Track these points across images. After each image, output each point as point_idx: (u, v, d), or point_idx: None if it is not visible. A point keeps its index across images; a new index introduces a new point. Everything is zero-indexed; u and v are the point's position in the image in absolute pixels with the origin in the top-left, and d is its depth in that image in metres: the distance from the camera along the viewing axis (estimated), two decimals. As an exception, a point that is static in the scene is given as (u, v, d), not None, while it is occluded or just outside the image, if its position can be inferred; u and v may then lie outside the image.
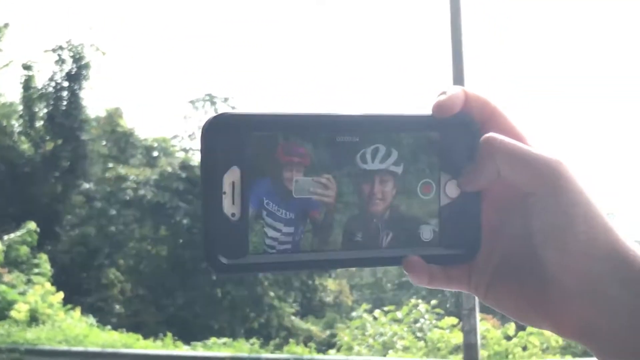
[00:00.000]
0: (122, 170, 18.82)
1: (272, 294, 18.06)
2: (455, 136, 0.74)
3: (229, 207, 0.68)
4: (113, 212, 18.51)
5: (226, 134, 0.67)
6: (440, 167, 0.74)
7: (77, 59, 20.62)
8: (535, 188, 0.68)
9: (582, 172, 0.71)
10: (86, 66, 20.63)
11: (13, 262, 13.66)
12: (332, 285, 19.30)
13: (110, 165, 19.83)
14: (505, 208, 0.73)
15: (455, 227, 0.75)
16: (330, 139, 0.71)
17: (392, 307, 14.26)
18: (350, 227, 0.73)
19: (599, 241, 0.66)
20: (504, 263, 0.72)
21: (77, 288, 17.07)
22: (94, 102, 21.91)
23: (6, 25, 19.57)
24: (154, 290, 18.31)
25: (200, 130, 0.68)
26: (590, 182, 0.69)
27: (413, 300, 14.21)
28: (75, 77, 20.59)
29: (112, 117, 22.14)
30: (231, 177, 0.68)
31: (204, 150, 0.67)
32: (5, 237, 14.00)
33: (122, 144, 22.09)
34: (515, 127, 0.72)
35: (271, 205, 0.69)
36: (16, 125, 21.38)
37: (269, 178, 0.70)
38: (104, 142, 22.19)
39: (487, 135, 0.70)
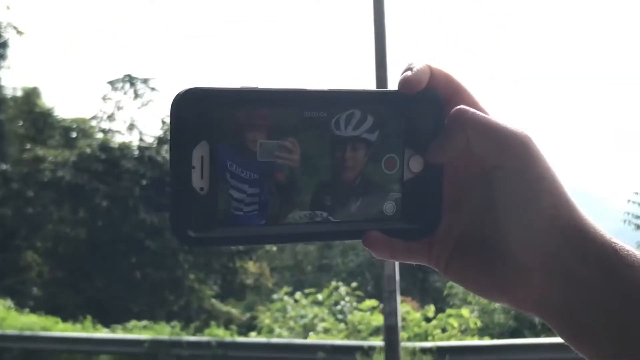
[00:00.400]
0: (40, 151, 18.50)
1: (192, 276, 18.01)
2: (421, 112, 0.74)
3: (198, 181, 0.68)
4: (31, 193, 18.20)
5: (195, 109, 0.67)
6: (405, 142, 0.75)
7: (-6, 37, 20.16)
8: (502, 161, 0.68)
9: (547, 149, 0.71)
10: (4, 45, 20.17)
11: None
12: (252, 267, 19.33)
13: (28, 146, 19.46)
14: (468, 182, 0.73)
15: (417, 201, 0.75)
16: (299, 112, 0.72)
17: (312, 290, 14.36)
18: (318, 191, 0.73)
19: (562, 218, 0.66)
20: (464, 237, 0.73)
21: (-7, 271, 16.78)
22: (11, 81, 21.36)
23: None
24: (72, 273, 18.09)
25: (170, 104, 0.68)
26: (553, 159, 0.70)
27: (334, 283, 14.33)
28: (-9, 56, 20.12)
29: (30, 97, 21.70)
30: (200, 151, 0.68)
31: (174, 125, 0.67)
32: None
33: (40, 124, 21.65)
34: (478, 102, 0.73)
35: (235, 167, 0.70)
36: None
37: (234, 143, 0.69)
38: (21, 123, 21.73)
39: (458, 107, 0.71)
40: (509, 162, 0.68)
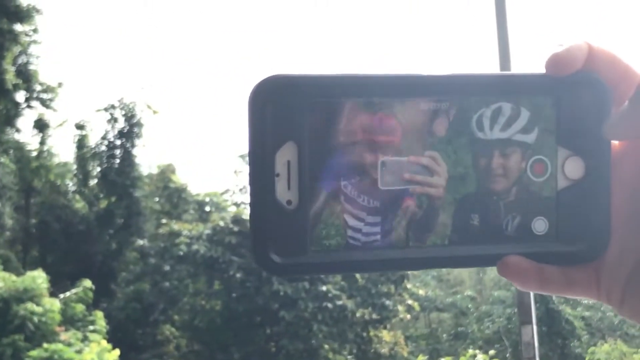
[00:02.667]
0: (175, 225, 18.92)
1: (326, 346, 17.92)
2: (577, 100, 0.59)
3: (284, 192, 0.55)
4: (167, 267, 18.58)
5: (279, 102, 0.55)
6: (558, 140, 0.59)
7: (129, 117, 20.90)
8: None
9: None
10: (138, 124, 20.90)
11: (69, 320, 13.73)
12: (386, 336, 19.10)
13: (164, 221, 19.96)
14: None
15: (576, 216, 0.60)
16: (420, 105, 0.57)
17: (449, 358, 14.08)
18: (453, 216, 0.59)
19: None
20: None
21: (133, 345, 17.11)
22: (147, 159, 22.08)
23: (60, 85, 19.95)
24: (209, 345, 18.27)
25: (248, 97, 0.55)
26: None
27: (470, 351, 14.00)
28: (127, 135, 20.85)
29: (165, 173, 22.34)
30: (286, 154, 0.55)
31: (251, 123, 0.55)
32: (61, 296, 14.09)
33: (175, 199, 22.23)
34: None
35: (349, 188, 0.56)
36: (70, 184, 21.68)
37: (341, 153, 0.56)
38: (156, 199, 22.36)
39: None
40: None
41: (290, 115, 0.55)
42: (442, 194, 0.58)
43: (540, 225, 0.60)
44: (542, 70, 0.58)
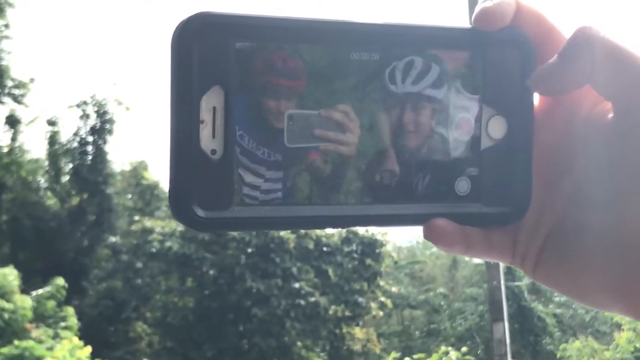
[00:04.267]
0: (147, 222, 18.81)
1: (299, 343, 17.91)
2: (503, 58, 0.56)
3: (209, 141, 0.51)
4: (139, 264, 18.48)
5: (205, 42, 0.51)
6: (483, 98, 0.57)
7: (101, 113, 20.75)
8: (633, 101, 0.50)
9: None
10: (110, 121, 20.75)
11: (40, 317, 13.63)
12: (359, 333, 19.11)
13: (136, 218, 19.83)
14: (571, 144, 0.55)
15: (498, 177, 0.58)
16: (343, 53, 0.54)
17: (421, 355, 14.10)
18: (368, 167, 0.56)
19: None
20: (562, 223, 0.55)
21: (104, 342, 17.00)
22: (119, 155, 21.91)
23: (31, 81, 19.78)
24: (181, 342, 18.19)
25: (171, 36, 0.51)
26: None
27: (443, 348, 14.04)
28: (99, 132, 20.68)
29: (137, 170, 22.21)
30: (212, 100, 0.51)
31: (175, 65, 0.50)
32: (34, 293, 13.99)
33: (147, 196, 22.10)
34: None
35: (247, 139, 0.53)
36: (42, 181, 21.50)
37: (251, 102, 0.52)
38: (129, 196, 22.25)
39: (582, 25, 0.52)
40: None
41: (217, 56, 0.51)
42: (354, 151, 0.55)
43: (463, 186, 0.58)
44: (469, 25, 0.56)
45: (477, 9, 0.54)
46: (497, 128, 0.58)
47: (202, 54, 0.51)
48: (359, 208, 0.56)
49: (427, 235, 0.56)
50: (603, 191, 0.53)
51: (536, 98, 0.58)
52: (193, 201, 0.52)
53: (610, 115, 0.53)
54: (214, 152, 0.52)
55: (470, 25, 0.56)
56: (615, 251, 0.51)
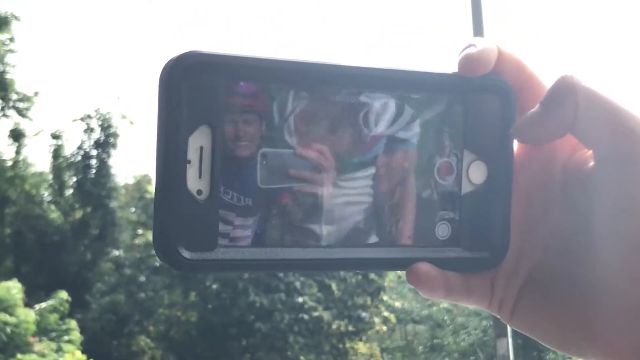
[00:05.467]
0: (151, 236, 18.81)
1: (302, 358, 17.87)
2: (484, 103, 0.57)
3: (195, 181, 0.51)
4: (142, 278, 18.49)
5: (194, 81, 0.50)
6: (464, 143, 0.57)
7: (106, 127, 20.79)
8: (618, 150, 0.50)
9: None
10: (114, 134, 20.79)
11: (43, 331, 13.62)
12: (363, 348, 19.07)
13: (140, 231, 19.85)
14: (549, 190, 0.56)
15: (478, 222, 0.58)
16: (325, 94, 0.54)
17: (425, 370, 14.07)
18: (340, 216, 0.55)
19: None
20: (538, 270, 0.56)
21: (107, 356, 16.99)
22: (123, 169, 21.95)
23: (36, 94, 19.82)
24: (184, 357, 18.16)
25: (159, 75, 0.50)
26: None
27: (446, 363, 14.03)
28: (103, 146, 20.73)
29: (141, 183, 22.22)
30: (199, 140, 0.51)
31: (163, 103, 0.50)
32: (37, 307, 13.98)
33: (151, 210, 22.11)
34: None
35: (223, 187, 0.52)
36: (46, 194, 21.52)
37: (227, 141, 0.52)
38: (132, 209, 22.25)
39: (564, 74, 0.52)
40: (630, 153, 0.50)
41: (205, 96, 0.51)
42: (330, 192, 0.54)
43: (443, 230, 0.58)
44: (452, 71, 0.56)
45: (461, 55, 0.55)
46: (477, 173, 0.58)
47: (190, 92, 0.50)
48: (342, 251, 0.55)
49: (411, 280, 0.56)
50: (580, 237, 0.53)
51: (515, 143, 0.59)
52: (178, 242, 0.51)
53: (591, 163, 0.53)
54: (200, 192, 0.51)
55: (452, 71, 0.56)
56: (591, 298, 0.51)
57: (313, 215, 0.54)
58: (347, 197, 0.55)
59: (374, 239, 0.56)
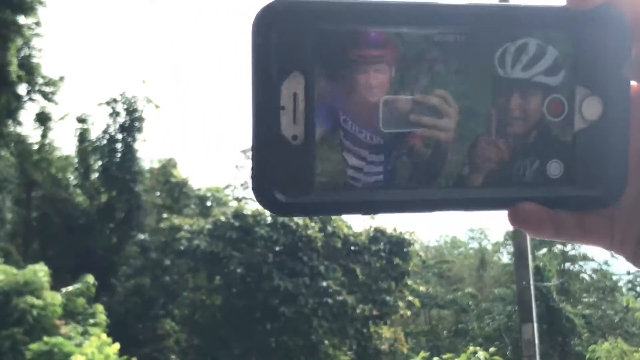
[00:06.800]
0: (176, 220, 18.90)
1: (326, 342, 17.91)
2: (597, 38, 0.55)
3: (290, 126, 0.52)
4: (167, 262, 18.58)
5: (284, 29, 0.51)
6: (576, 78, 0.56)
7: (131, 111, 20.88)
8: None
9: None
10: (140, 118, 20.88)
11: (69, 314, 13.73)
12: (387, 332, 19.09)
13: (165, 215, 19.96)
14: None
15: (593, 159, 0.56)
16: (433, 36, 0.53)
17: (449, 355, 14.04)
18: (463, 151, 0.55)
19: None
20: None
21: (133, 339, 17.10)
22: (148, 153, 22.07)
23: (61, 79, 19.92)
24: (209, 340, 18.26)
25: (251, 23, 0.51)
26: None
27: (471, 348, 13.97)
28: (129, 130, 20.84)
29: (166, 168, 22.33)
30: (292, 86, 0.51)
31: (255, 51, 0.51)
32: (63, 290, 14.09)
33: (176, 194, 22.23)
34: None
35: (350, 124, 0.53)
36: (71, 178, 21.67)
37: (345, 87, 0.52)
38: (158, 193, 22.36)
39: None
40: None
41: (297, 43, 0.51)
42: (452, 136, 0.54)
43: (555, 169, 0.57)
44: (562, 4, 0.55)
45: None
46: (591, 109, 0.56)
47: (281, 40, 0.51)
48: (445, 192, 0.55)
49: (512, 220, 0.55)
50: None
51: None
52: (274, 186, 0.52)
53: None
54: (294, 137, 0.52)
55: (563, 5, 0.55)
56: None
57: (428, 158, 0.55)
58: (460, 142, 0.55)
59: (484, 180, 0.56)
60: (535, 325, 8.83)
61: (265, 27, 0.51)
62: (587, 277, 25.72)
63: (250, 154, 0.52)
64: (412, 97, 0.53)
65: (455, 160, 0.55)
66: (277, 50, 0.51)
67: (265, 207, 0.53)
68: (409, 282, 19.58)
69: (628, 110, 0.55)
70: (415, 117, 0.53)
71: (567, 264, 25.30)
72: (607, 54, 0.55)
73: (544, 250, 24.63)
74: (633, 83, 0.56)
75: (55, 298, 12.83)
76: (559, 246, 24.45)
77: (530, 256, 9.77)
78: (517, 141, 0.56)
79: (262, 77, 0.51)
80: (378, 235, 18.63)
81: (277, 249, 17.76)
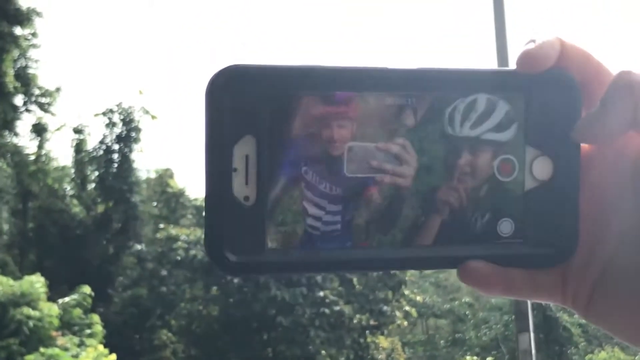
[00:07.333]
0: (173, 230, 18.89)
1: (324, 352, 17.90)
2: (547, 99, 0.56)
3: (241, 188, 0.53)
4: (164, 272, 18.55)
5: (237, 93, 0.52)
6: (526, 139, 0.57)
7: (127, 122, 20.88)
8: None
9: None
10: (136, 129, 20.87)
11: (66, 325, 13.70)
12: (384, 342, 19.08)
13: (161, 226, 19.93)
14: (618, 185, 0.55)
15: (543, 218, 0.57)
16: (386, 99, 0.55)
17: (447, 365, 14.05)
18: (413, 208, 0.56)
19: None
20: (614, 263, 0.54)
21: (129, 350, 17.07)
22: (145, 164, 22.06)
23: (58, 90, 19.92)
24: (206, 350, 18.23)
25: (205, 88, 0.53)
26: None
27: (468, 357, 14.01)
28: (125, 140, 20.83)
29: (162, 178, 22.34)
30: (244, 149, 0.53)
31: (208, 115, 0.52)
32: (60, 301, 14.06)
33: (173, 204, 22.21)
34: None
35: (310, 174, 0.54)
36: (68, 188, 21.66)
37: (303, 143, 0.53)
38: (154, 203, 22.35)
39: (622, 70, 0.52)
40: None
41: (248, 107, 0.53)
42: (409, 184, 0.56)
43: (506, 227, 0.57)
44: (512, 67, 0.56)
45: (520, 52, 0.55)
46: (542, 169, 0.57)
47: (233, 105, 0.53)
48: (398, 251, 0.56)
49: (462, 278, 0.56)
50: None
51: None
52: (226, 247, 0.53)
53: None
54: (246, 198, 0.53)
55: (513, 68, 0.56)
56: None
57: (385, 208, 0.56)
58: (415, 194, 0.56)
59: (434, 236, 0.57)
60: (532, 334, 8.83)
61: (217, 92, 0.52)
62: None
63: (203, 214, 0.54)
64: (374, 145, 0.55)
65: (410, 213, 0.56)
66: (228, 114, 0.52)
67: (217, 266, 0.54)
68: (406, 291, 19.58)
69: (578, 171, 0.56)
70: (378, 163, 0.55)
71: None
72: (557, 116, 0.56)
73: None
74: (584, 144, 0.57)
75: (52, 309, 12.80)
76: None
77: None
78: (469, 199, 0.57)
79: (214, 140, 0.53)
80: (375, 245, 18.63)
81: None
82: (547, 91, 0.56)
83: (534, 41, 0.55)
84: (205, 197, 0.53)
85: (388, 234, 0.56)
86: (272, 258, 0.54)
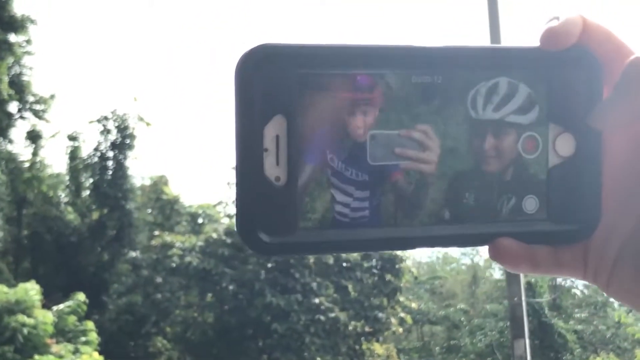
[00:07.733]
0: (167, 237, 18.86)
1: (319, 359, 17.87)
2: (569, 77, 0.57)
3: (272, 168, 0.53)
4: (159, 279, 18.52)
5: (267, 73, 0.52)
6: (549, 116, 0.58)
7: (122, 129, 20.84)
8: None
9: None
10: (131, 136, 20.84)
11: (61, 332, 13.66)
12: (379, 349, 19.05)
13: (156, 233, 19.89)
14: (638, 163, 0.56)
15: (566, 195, 0.58)
16: (411, 77, 0.55)
17: (442, 371, 14.04)
18: (444, 189, 0.57)
19: None
20: (633, 241, 0.55)
21: (124, 357, 17.05)
22: (139, 171, 22.02)
23: (52, 97, 19.89)
24: (201, 358, 18.20)
25: (234, 68, 0.53)
26: None
27: (464, 364, 13.98)
28: (120, 147, 20.78)
29: (157, 185, 22.29)
30: (274, 129, 0.53)
31: (238, 96, 0.52)
32: (55, 308, 14.02)
33: (167, 211, 22.18)
34: None
35: (337, 162, 0.54)
36: (62, 195, 21.60)
37: (329, 127, 0.54)
38: (149, 210, 22.30)
39: (634, 56, 0.53)
40: None
41: (278, 87, 0.53)
42: (434, 170, 0.56)
43: (530, 204, 0.58)
44: (535, 44, 0.57)
45: (543, 29, 0.55)
46: (565, 146, 0.58)
47: (263, 84, 0.52)
48: (433, 229, 0.57)
49: (492, 255, 0.57)
50: None
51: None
52: (258, 227, 0.53)
53: None
54: (277, 179, 0.53)
55: (536, 46, 0.56)
56: None
57: (412, 193, 0.56)
58: (441, 177, 0.57)
59: (461, 215, 0.57)
60: (527, 341, 8.84)
61: (247, 72, 0.52)
62: (578, 293, 25.74)
63: (235, 195, 0.54)
64: (397, 132, 0.55)
65: (437, 196, 0.57)
66: (259, 94, 0.52)
67: (249, 247, 0.54)
68: (401, 298, 19.56)
69: (600, 147, 0.57)
70: (401, 150, 0.55)
71: (559, 280, 25.32)
72: (580, 93, 0.57)
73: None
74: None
75: (46, 317, 12.76)
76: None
77: (522, 272, 9.76)
78: (494, 178, 0.58)
79: (245, 121, 0.53)
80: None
81: (269, 265, 17.72)
82: (569, 69, 0.57)
83: (557, 18, 0.55)
84: (237, 178, 0.53)
85: (417, 216, 0.57)
86: (304, 238, 0.54)
